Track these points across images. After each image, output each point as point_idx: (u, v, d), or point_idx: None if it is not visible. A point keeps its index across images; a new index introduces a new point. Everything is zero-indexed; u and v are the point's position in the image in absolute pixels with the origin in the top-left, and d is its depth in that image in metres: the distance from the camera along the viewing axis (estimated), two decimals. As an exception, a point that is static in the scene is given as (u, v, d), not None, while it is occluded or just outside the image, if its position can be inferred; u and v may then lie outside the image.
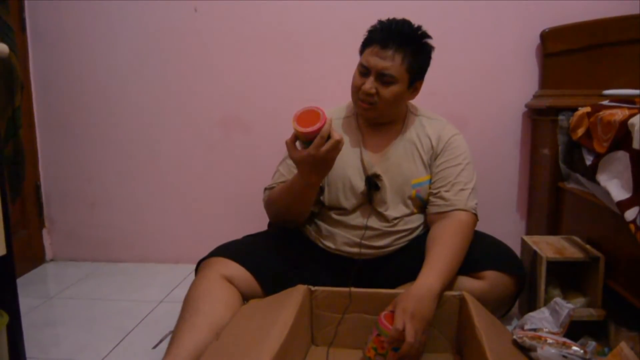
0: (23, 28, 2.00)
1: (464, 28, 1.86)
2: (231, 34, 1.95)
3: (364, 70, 1.28)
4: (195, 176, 2.07)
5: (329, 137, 1.09)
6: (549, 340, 1.05)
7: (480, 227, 1.34)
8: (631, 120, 1.12)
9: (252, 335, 1.02)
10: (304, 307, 1.16)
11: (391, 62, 1.25)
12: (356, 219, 1.33)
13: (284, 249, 1.35)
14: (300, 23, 1.92)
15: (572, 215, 1.59)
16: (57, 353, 1.38)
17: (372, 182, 1.32)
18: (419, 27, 1.30)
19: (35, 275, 2.02)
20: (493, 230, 1.42)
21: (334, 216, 1.35)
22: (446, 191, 1.31)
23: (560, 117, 1.59)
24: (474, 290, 1.20)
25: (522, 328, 1.19)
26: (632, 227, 1.06)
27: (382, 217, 1.33)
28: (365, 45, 1.31)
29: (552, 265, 1.34)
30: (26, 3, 2.00)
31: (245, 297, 1.25)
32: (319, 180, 1.19)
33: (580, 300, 1.33)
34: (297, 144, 1.13)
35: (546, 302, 1.30)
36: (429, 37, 1.31)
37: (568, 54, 1.78)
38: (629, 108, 1.29)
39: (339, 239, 1.34)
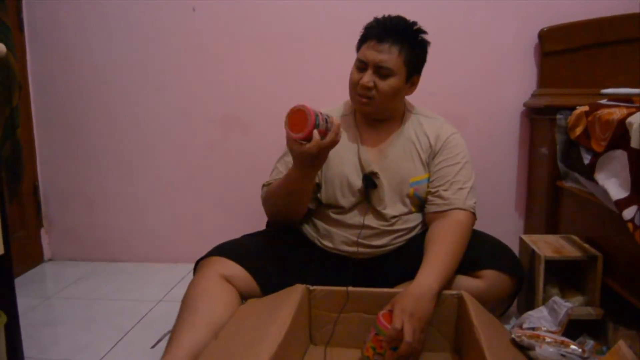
0: (21, 28, 2.00)
1: (462, 28, 1.86)
2: (229, 33, 1.95)
3: (361, 65, 1.29)
4: (194, 176, 2.06)
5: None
6: (548, 339, 1.05)
7: (479, 226, 1.34)
8: (629, 119, 1.12)
9: (250, 335, 1.02)
10: (302, 307, 1.16)
11: (388, 55, 1.25)
12: (354, 217, 1.33)
13: (283, 249, 1.35)
14: (299, 23, 1.92)
15: (571, 214, 1.59)
16: (56, 353, 1.38)
17: (370, 180, 1.32)
18: (415, 23, 1.31)
19: (34, 275, 2.02)
20: (491, 229, 1.42)
21: (332, 215, 1.35)
22: (444, 190, 1.30)
23: (559, 116, 1.59)
24: (473, 290, 1.20)
25: (520, 327, 1.19)
26: (630, 225, 1.07)
27: (380, 216, 1.33)
28: (362, 41, 1.32)
29: (551, 264, 1.35)
30: (24, 3, 2.00)
31: (244, 297, 1.25)
32: (314, 171, 1.20)
33: (579, 299, 1.33)
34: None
35: (544, 301, 1.31)
36: (424, 32, 1.32)
37: (566, 53, 1.78)
38: (627, 107, 1.29)
39: (337, 238, 1.34)
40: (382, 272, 1.33)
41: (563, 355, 1.00)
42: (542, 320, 1.20)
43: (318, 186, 1.36)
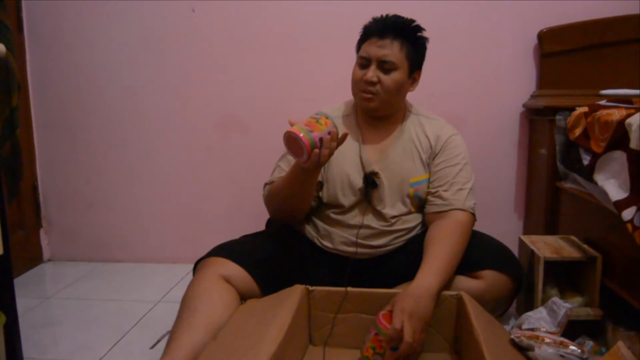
0: (20, 28, 2.00)
1: (462, 28, 1.86)
2: (229, 34, 1.95)
3: (364, 62, 1.31)
4: (193, 176, 2.06)
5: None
6: (547, 340, 1.05)
7: (478, 226, 1.34)
8: (628, 120, 1.12)
9: (249, 335, 1.02)
10: (301, 307, 1.16)
11: (390, 49, 1.28)
12: (354, 217, 1.33)
13: (282, 249, 1.35)
14: (298, 23, 1.92)
15: (570, 215, 1.59)
16: (55, 353, 1.38)
17: (370, 180, 1.32)
18: (413, 20, 1.33)
19: (33, 276, 2.01)
20: (491, 230, 1.43)
21: (332, 215, 1.35)
22: (444, 191, 1.31)
23: (558, 117, 1.59)
24: (472, 290, 1.20)
25: (519, 327, 1.19)
26: (629, 226, 1.07)
27: (380, 216, 1.33)
28: (363, 40, 1.33)
29: (550, 264, 1.35)
30: (23, 3, 2.00)
31: (243, 297, 1.25)
32: (317, 171, 1.20)
33: (578, 300, 1.33)
34: None
35: (544, 302, 1.31)
36: (422, 29, 1.34)
37: (565, 54, 1.78)
38: (626, 108, 1.30)
39: (337, 238, 1.34)
40: (381, 273, 1.33)
41: (562, 356, 1.00)
42: (541, 320, 1.20)
43: (320, 184, 1.36)
